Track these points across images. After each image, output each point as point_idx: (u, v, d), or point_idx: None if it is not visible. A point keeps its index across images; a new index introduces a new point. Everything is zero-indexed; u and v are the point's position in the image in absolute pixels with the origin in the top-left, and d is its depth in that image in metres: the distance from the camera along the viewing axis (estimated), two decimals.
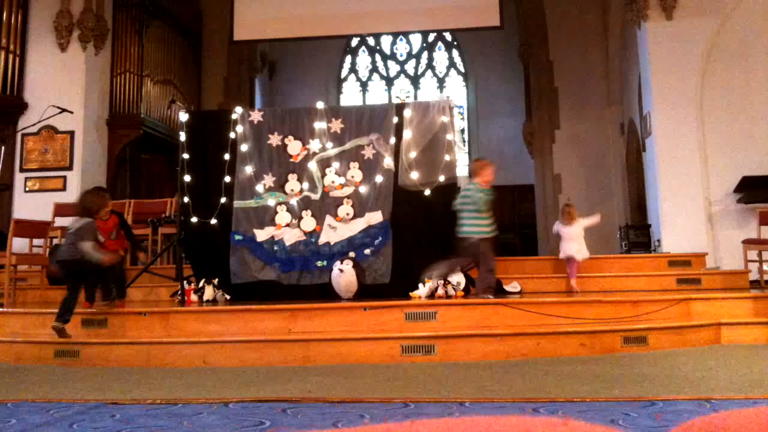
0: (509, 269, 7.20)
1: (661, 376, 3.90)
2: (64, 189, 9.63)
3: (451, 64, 17.52)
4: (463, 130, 16.39)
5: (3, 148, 8.06)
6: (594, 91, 13.03)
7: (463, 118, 16.74)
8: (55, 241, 8.45)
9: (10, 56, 9.86)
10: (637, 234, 9.00)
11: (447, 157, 6.62)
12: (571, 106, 13.19)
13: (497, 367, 4.47)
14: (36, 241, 7.96)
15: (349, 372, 4.41)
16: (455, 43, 17.47)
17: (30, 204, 9.44)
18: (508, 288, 6.59)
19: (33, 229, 7.52)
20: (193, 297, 6.34)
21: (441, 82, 17.47)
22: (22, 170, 9.77)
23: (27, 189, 9.72)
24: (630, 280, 7.10)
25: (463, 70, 17.35)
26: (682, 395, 3.30)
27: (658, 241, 8.59)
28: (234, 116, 6.90)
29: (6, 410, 3.38)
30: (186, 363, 4.82)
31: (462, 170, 11.14)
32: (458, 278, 6.17)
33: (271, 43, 15.24)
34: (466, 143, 16.37)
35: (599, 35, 13.07)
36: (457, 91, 17.05)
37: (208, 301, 6.31)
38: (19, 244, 7.31)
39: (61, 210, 9.05)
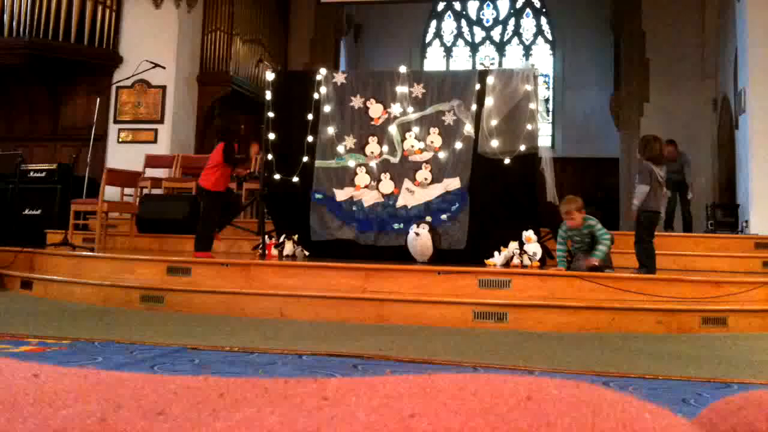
0: None
1: (739, 360, 3.81)
2: (155, 141, 9.99)
3: (539, 32, 17.11)
4: (547, 100, 16.05)
5: (98, 99, 8.41)
6: (687, 64, 12.51)
7: (548, 88, 16.37)
8: (145, 191, 8.81)
9: (107, 11, 10.21)
10: (724, 213, 8.69)
11: (529, 127, 6.52)
12: (662, 78, 12.72)
13: (569, 338, 4.45)
14: (127, 190, 8.29)
15: (420, 333, 4.49)
16: (543, 9, 17.03)
17: (122, 154, 9.85)
18: None
19: (124, 178, 7.81)
20: (274, 251, 6.51)
21: (527, 49, 17.10)
22: (116, 121, 10.19)
23: (120, 140, 10.14)
24: (713, 260, 6.89)
25: (550, 38, 16.92)
26: (760, 380, 3.24)
27: (746, 221, 8.28)
28: (318, 77, 6.98)
29: (94, 348, 3.60)
30: (264, 314, 4.99)
31: (544, 140, 10.96)
32: (535, 248, 6.13)
33: (358, 5, 15.24)
34: (550, 113, 16.04)
35: (695, 4, 12.49)
36: (543, 59, 16.66)
37: (287, 256, 6.46)
38: (110, 192, 7.65)
39: (151, 161, 9.41)
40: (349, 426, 0.35)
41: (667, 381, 3.15)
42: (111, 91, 10.04)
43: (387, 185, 6.68)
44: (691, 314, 4.89)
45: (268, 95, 6.98)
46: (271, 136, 6.82)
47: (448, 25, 17.58)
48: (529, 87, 6.57)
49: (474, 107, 6.63)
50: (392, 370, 3.24)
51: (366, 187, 6.70)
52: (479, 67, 16.32)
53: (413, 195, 6.63)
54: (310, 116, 6.85)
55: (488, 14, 17.46)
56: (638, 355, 3.84)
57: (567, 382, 0.41)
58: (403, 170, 6.69)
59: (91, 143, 8.16)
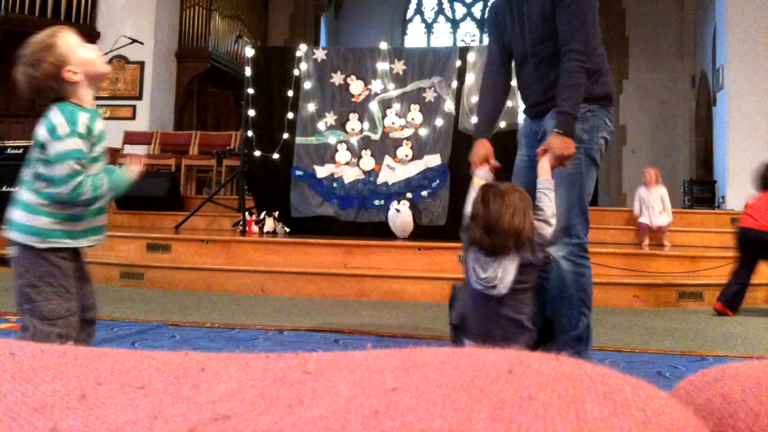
0: None
1: (715, 333, 3.88)
2: (133, 118, 9.87)
3: None
4: None
5: None
6: (666, 41, 12.58)
7: None
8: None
9: None
10: (701, 189, 8.78)
11: (509, 103, 6.51)
12: (641, 55, 12.78)
13: None
14: None
15: (400, 308, 4.51)
16: None
17: None
18: None
19: None
20: (254, 228, 6.51)
21: None
22: (94, 98, 10.03)
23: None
24: (690, 235, 6.98)
25: None
26: (734, 353, 3.29)
27: (723, 197, 8.38)
28: (299, 53, 6.92)
29: None
30: (245, 290, 4.99)
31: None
32: None
33: None
34: None
35: None
36: None
37: (268, 232, 6.45)
38: None
39: (130, 138, 9.31)
40: (331, 399, 0.35)
41: (644, 354, 3.20)
42: None
43: (368, 162, 6.68)
44: (668, 289, 4.96)
45: (248, 71, 6.92)
46: (251, 112, 6.77)
47: (429, 1, 17.44)
48: None
49: (455, 84, 6.62)
50: (373, 344, 3.25)
51: (347, 163, 6.69)
52: (460, 44, 16.25)
53: (394, 171, 6.63)
54: (290, 93, 6.80)
55: None
56: (616, 329, 3.89)
57: (547, 355, 0.42)
58: (383, 147, 6.69)
59: None
